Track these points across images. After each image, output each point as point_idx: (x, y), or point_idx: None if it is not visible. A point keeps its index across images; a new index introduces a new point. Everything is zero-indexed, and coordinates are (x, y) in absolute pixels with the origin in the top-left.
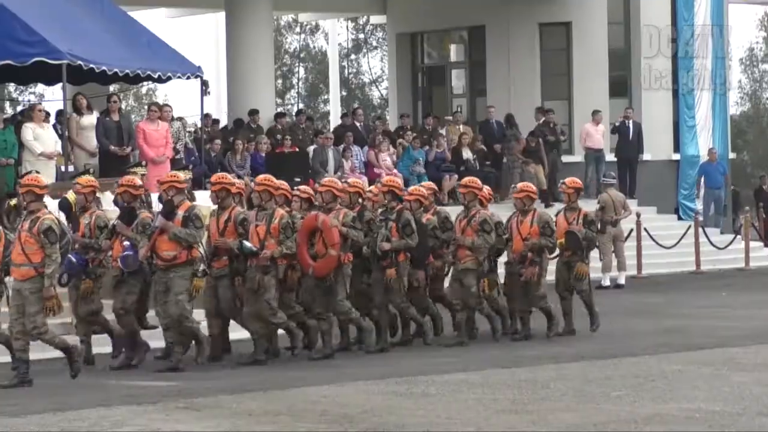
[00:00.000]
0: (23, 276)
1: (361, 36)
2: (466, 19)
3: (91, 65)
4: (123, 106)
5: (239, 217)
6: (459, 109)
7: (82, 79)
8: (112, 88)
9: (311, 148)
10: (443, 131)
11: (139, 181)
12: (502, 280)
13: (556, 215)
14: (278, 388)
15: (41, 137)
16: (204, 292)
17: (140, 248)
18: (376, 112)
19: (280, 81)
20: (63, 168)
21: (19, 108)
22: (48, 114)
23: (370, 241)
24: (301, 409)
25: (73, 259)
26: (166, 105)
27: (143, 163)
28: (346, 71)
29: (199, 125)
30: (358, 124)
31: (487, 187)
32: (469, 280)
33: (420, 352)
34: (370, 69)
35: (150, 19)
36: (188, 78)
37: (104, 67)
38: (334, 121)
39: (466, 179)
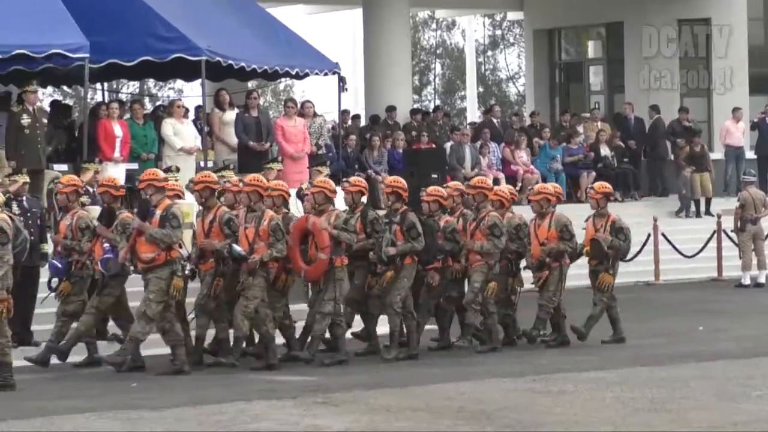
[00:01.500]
0: None
1: (498, 32)
2: (603, 15)
3: (230, 61)
4: (261, 102)
5: (224, 217)
6: (597, 106)
7: (220, 76)
8: (250, 84)
9: (448, 145)
10: (580, 128)
11: (120, 182)
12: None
13: (586, 221)
14: (416, 384)
15: (181, 133)
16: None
17: (120, 250)
18: (512, 109)
19: (416, 77)
20: (203, 163)
21: (159, 103)
22: (188, 110)
23: (374, 243)
24: (438, 406)
25: (58, 264)
26: (308, 101)
27: (279, 158)
28: (482, 68)
29: (337, 121)
30: (495, 121)
31: (509, 187)
32: (475, 276)
33: (560, 349)
34: (506, 65)
35: (288, 15)
36: (326, 74)
37: (243, 64)
38: (471, 117)
39: (475, 180)
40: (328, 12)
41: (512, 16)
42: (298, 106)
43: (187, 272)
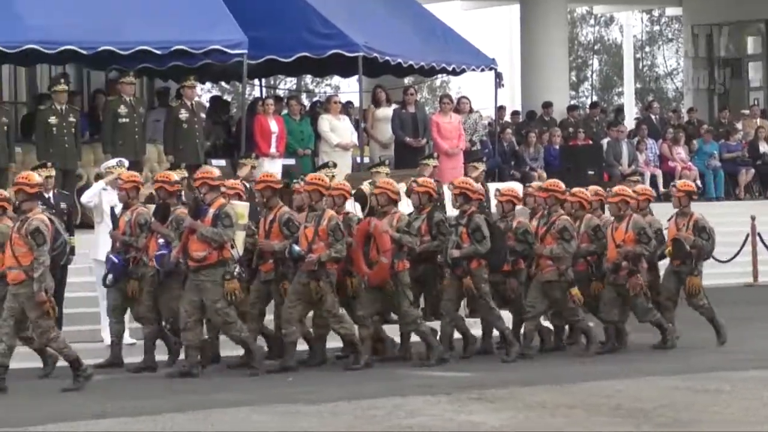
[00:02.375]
0: (14, 279)
1: (656, 28)
2: (763, 11)
3: (387, 58)
4: (417, 98)
5: (284, 217)
6: (756, 102)
7: (377, 71)
8: (406, 80)
9: (605, 141)
10: (739, 125)
11: (175, 177)
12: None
13: (668, 220)
14: (571, 382)
15: (337, 128)
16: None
17: (173, 247)
18: (670, 105)
19: (573, 73)
20: (359, 159)
21: (316, 99)
22: (344, 105)
23: (438, 246)
24: (594, 403)
25: (114, 260)
26: (463, 97)
27: (435, 155)
28: (640, 64)
29: (492, 118)
30: (653, 117)
31: (594, 188)
32: (554, 293)
33: (713, 348)
34: (665, 61)
35: (445, 11)
36: (482, 70)
37: (399, 60)
38: (629, 113)
39: (548, 182)
40: (485, 8)
41: (671, 11)
42: (454, 102)
43: (235, 274)
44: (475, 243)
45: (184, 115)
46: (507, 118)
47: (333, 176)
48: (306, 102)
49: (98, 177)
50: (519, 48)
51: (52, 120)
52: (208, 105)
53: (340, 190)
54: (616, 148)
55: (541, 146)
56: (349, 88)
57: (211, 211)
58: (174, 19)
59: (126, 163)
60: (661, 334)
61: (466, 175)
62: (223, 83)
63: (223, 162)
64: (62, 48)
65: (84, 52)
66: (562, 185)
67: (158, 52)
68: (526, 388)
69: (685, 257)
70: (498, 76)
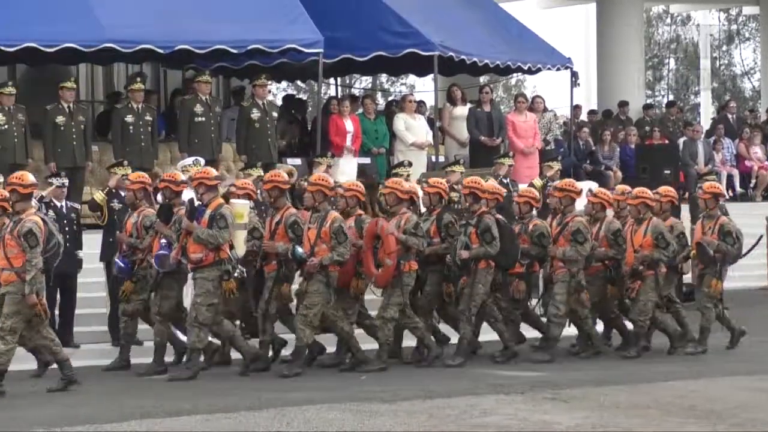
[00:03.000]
0: (5, 281)
1: (734, 27)
2: None
3: (462, 56)
4: (493, 97)
5: (290, 219)
6: None
7: (452, 70)
8: (482, 79)
9: (681, 140)
10: None
11: (181, 176)
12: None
13: (694, 223)
14: (645, 382)
15: (412, 127)
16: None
17: (174, 248)
18: (747, 105)
19: (650, 72)
20: (434, 158)
21: (391, 98)
22: (419, 104)
23: (447, 248)
24: (668, 403)
25: (121, 264)
26: (538, 96)
27: (510, 154)
28: (717, 63)
29: (568, 117)
30: (729, 117)
31: (665, 188)
32: (557, 288)
33: None
34: (742, 60)
35: (522, 10)
36: (558, 69)
37: (475, 59)
38: (705, 113)
39: (563, 181)
40: (561, 6)
41: (748, 10)
42: (529, 101)
43: (236, 275)
44: (484, 244)
45: (255, 114)
46: (583, 117)
47: (408, 175)
48: (381, 101)
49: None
50: (595, 47)
51: (129, 119)
52: (281, 104)
53: (353, 192)
54: (692, 147)
55: (616, 145)
56: (424, 87)
57: (208, 212)
58: (250, 19)
59: (202, 161)
60: (637, 337)
61: (541, 174)
62: (298, 82)
63: (298, 161)
64: (139, 47)
65: (161, 51)
66: (578, 185)
67: (234, 51)
68: (600, 388)
69: (709, 262)
70: (574, 75)
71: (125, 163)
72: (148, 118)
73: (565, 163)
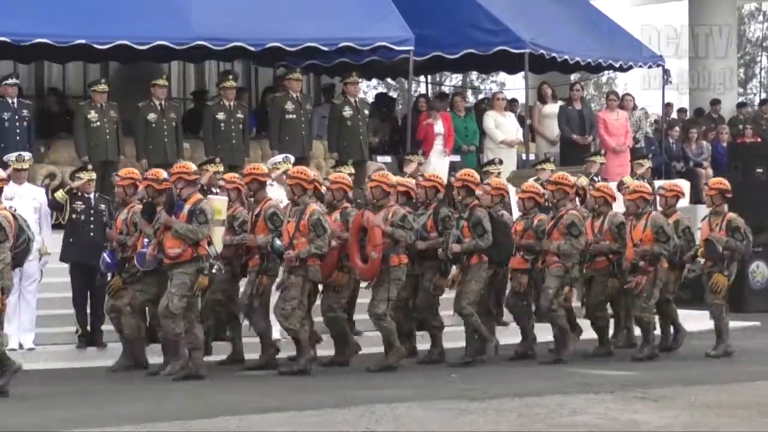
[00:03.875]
0: None
1: None
2: None
3: (553, 54)
4: (584, 95)
5: (269, 211)
6: None
7: (543, 68)
8: (573, 76)
9: None
10: None
11: (163, 174)
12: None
13: (702, 220)
14: (735, 382)
15: (502, 125)
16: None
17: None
18: None
19: (741, 70)
20: (524, 156)
21: (482, 96)
22: (511, 102)
23: (443, 242)
24: (759, 403)
25: (108, 259)
26: (627, 94)
27: (602, 152)
28: None
29: (659, 115)
30: None
31: (604, 184)
32: (549, 281)
33: None
34: None
35: (613, 7)
36: (649, 67)
37: (566, 56)
38: None
39: (556, 175)
40: (653, 4)
41: None
42: (620, 98)
43: (214, 270)
44: (476, 237)
45: (347, 111)
46: (674, 115)
47: (499, 173)
48: (471, 98)
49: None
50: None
51: (220, 116)
52: (372, 102)
53: (339, 185)
54: None
55: (705, 143)
56: (514, 85)
57: (187, 207)
58: (341, 16)
59: (292, 158)
60: (642, 336)
61: (632, 172)
62: (388, 80)
63: (388, 158)
64: (230, 45)
65: (252, 48)
66: (572, 179)
67: (325, 48)
68: (690, 387)
69: (718, 258)
70: (665, 72)
71: (217, 160)
72: (240, 115)
73: (656, 161)
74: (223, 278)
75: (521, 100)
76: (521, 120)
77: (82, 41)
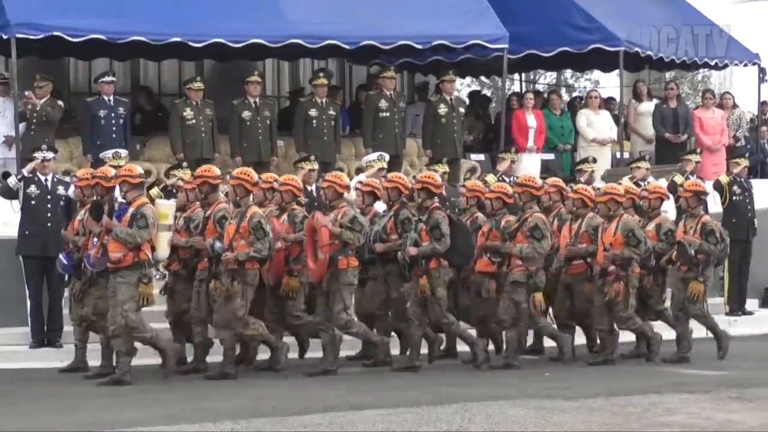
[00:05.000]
0: None
1: None
2: None
3: (648, 52)
4: (679, 93)
5: (218, 214)
6: None
7: (638, 66)
8: (668, 75)
9: None
10: None
11: (112, 172)
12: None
13: (677, 223)
14: None
15: (595, 124)
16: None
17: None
18: None
19: None
20: (618, 154)
21: (576, 94)
22: (607, 101)
23: (402, 244)
24: None
25: (64, 260)
26: (726, 92)
27: (697, 150)
28: None
29: (755, 113)
30: None
31: (626, 185)
32: (518, 295)
33: None
34: None
35: (712, 5)
36: (745, 65)
37: (661, 54)
38: None
39: (523, 176)
40: (751, 1)
41: None
42: (716, 97)
43: (156, 277)
44: (433, 241)
45: (442, 109)
46: None
47: (592, 171)
48: (566, 96)
49: (359, 171)
50: None
51: (312, 113)
52: (467, 100)
53: (288, 186)
54: None
55: None
56: (609, 83)
57: (131, 210)
58: (435, 14)
59: (386, 157)
60: (646, 345)
61: (728, 171)
62: (482, 78)
63: (482, 156)
64: (325, 42)
65: (346, 46)
66: (539, 181)
67: (419, 46)
68: None
69: (689, 262)
70: (761, 71)
71: (312, 157)
72: (332, 112)
73: (752, 160)
74: (181, 287)
75: (617, 98)
76: (617, 118)
77: (178, 39)
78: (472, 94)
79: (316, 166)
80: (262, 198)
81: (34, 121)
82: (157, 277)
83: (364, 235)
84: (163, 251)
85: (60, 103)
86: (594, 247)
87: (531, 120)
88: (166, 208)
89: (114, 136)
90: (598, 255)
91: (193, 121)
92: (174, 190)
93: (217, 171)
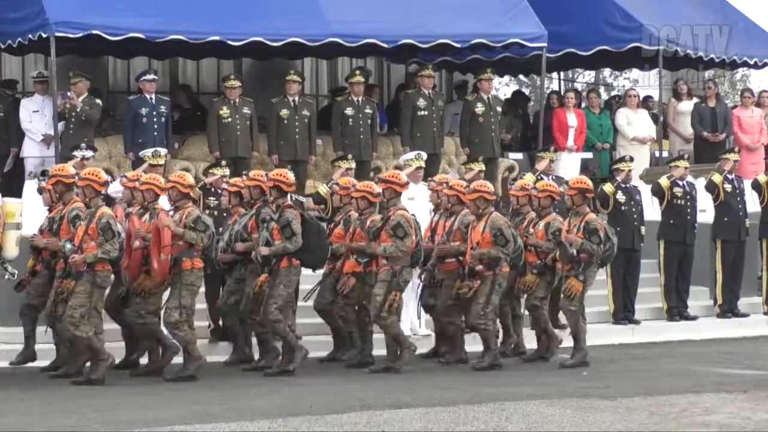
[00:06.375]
0: None
1: None
2: None
3: (687, 51)
4: (718, 92)
5: (71, 213)
6: None
7: (677, 65)
8: (707, 74)
9: None
10: None
11: (72, 170)
12: None
13: (564, 221)
14: None
15: (634, 122)
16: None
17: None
18: None
19: None
20: (657, 153)
21: (614, 93)
22: (647, 100)
23: (254, 245)
24: None
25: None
26: (765, 91)
27: (736, 149)
28: None
29: None
30: None
31: (457, 181)
32: (377, 289)
33: None
34: None
35: (749, 4)
36: None
37: (700, 53)
38: None
39: (388, 173)
40: None
41: None
42: (755, 96)
43: (7, 277)
44: (284, 240)
45: (480, 108)
46: None
47: (629, 170)
48: (604, 95)
49: (396, 169)
50: None
51: (349, 111)
52: (505, 98)
53: (149, 185)
54: None
55: None
56: (648, 82)
57: None
58: (474, 13)
59: (424, 155)
60: (483, 344)
61: (767, 170)
62: (521, 76)
63: (520, 155)
64: (363, 41)
65: (384, 45)
66: (403, 177)
67: (458, 45)
68: None
69: (571, 261)
70: None
71: (349, 156)
72: (368, 111)
73: None
74: (40, 282)
75: (655, 96)
76: (655, 117)
77: (216, 38)
78: (514, 94)
79: (353, 164)
80: (130, 197)
81: (73, 119)
82: (6, 277)
83: (209, 236)
84: (13, 250)
85: (98, 101)
86: (465, 246)
87: (572, 119)
88: (14, 206)
89: (155, 134)
90: (466, 254)
91: (230, 119)
92: (213, 189)
93: (71, 170)
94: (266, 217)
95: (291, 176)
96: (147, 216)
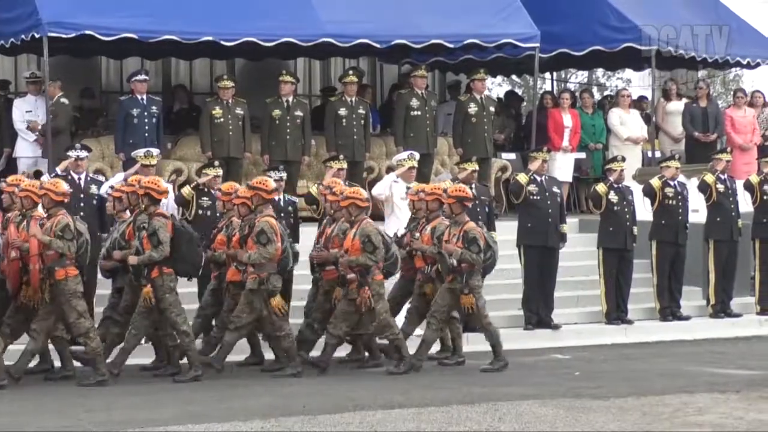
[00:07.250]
0: None
1: None
2: None
3: (680, 51)
4: (710, 92)
5: None
6: None
7: (670, 65)
8: (699, 74)
9: None
10: None
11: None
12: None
13: (444, 230)
14: None
15: (627, 122)
16: None
17: None
18: None
19: None
20: (649, 153)
21: (606, 93)
22: (640, 100)
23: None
24: None
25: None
26: (757, 91)
27: (728, 149)
28: None
29: None
30: None
31: (354, 189)
32: (245, 296)
33: None
34: None
35: (741, 4)
36: None
37: (693, 54)
38: None
39: (255, 180)
40: None
41: None
42: (748, 96)
43: None
44: (151, 248)
45: (473, 108)
46: None
47: (622, 170)
48: (597, 95)
49: (389, 169)
50: None
51: (342, 111)
52: (498, 99)
53: (27, 192)
54: None
55: None
56: (640, 82)
57: None
58: (467, 13)
59: (417, 155)
60: (397, 356)
61: (759, 170)
62: (513, 77)
63: (513, 155)
64: (356, 42)
65: (377, 45)
66: (271, 184)
67: (451, 45)
68: None
69: (451, 272)
70: None
71: (341, 157)
72: (361, 111)
73: None
74: None
75: (649, 97)
76: (648, 117)
77: (209, 38)
78: (507, 94)
79: (344, 165)
80: (9, 201)
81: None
82: None
83: (82, 244)
84: None
85: (65, 101)
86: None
87: (567, 119)
88: None
89: (146, 134)
90: (340, 261)
91: (222, 119)
92: (206, 189)
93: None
94: (141, 225)
95: (271, 183)
96: (25, 223)
